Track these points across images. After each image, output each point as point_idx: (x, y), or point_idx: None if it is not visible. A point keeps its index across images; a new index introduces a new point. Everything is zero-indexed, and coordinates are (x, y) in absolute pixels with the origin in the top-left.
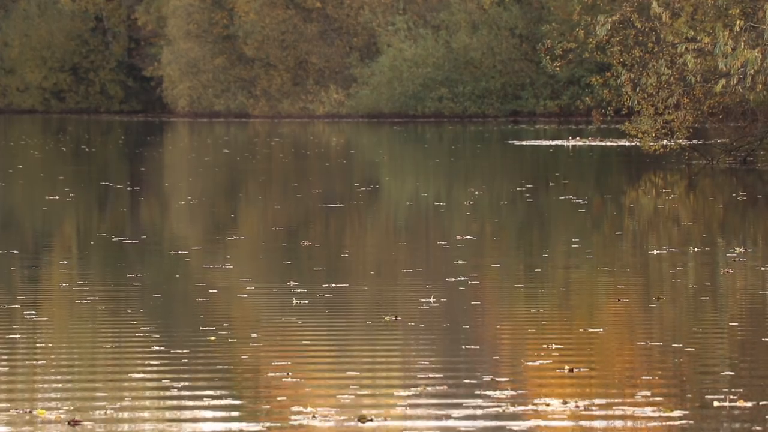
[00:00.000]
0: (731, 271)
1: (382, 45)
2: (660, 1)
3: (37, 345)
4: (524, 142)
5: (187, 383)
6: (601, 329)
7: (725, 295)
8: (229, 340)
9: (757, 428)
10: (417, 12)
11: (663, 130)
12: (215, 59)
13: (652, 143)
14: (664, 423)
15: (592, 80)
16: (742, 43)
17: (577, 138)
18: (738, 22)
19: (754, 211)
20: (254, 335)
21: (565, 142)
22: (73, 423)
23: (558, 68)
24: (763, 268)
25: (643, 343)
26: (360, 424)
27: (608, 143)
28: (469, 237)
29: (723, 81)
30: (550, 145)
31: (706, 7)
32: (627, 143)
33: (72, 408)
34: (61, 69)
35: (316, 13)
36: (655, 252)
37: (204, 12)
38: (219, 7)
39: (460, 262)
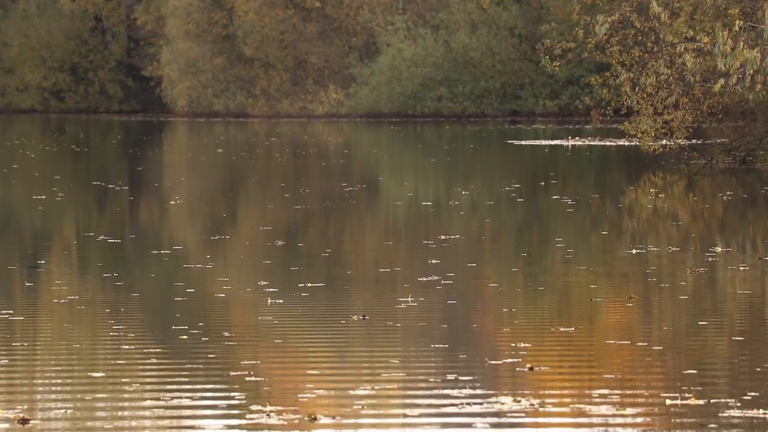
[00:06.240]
0: (700, 270)
1: (382, 45)
2: (659, 1)
3: (12, 344)
4: (523, 142)
5: (149, 382)
6: (572, 329)
7: (698, 294)
8: (202, 339)
9: (712, 426)
10: (416, 12)
11: (662, 130)
12: (214, 59)
13: (651, 143)
14: (617, 421)
15: (591, 80)
16: (742, 43)
17: (576, 138)
18: (737, 21)
19: (744, 210)
20: (226, 334)
21: (564, 142)
22: (22, 421)
23: (557, 68)
24: (741, 267)
25: (611, 342)
26: (311, 423)
27: (607, 143)
28: (452, 237)
29: (722, 81)
30: (547, 145)
31: (706, 6)
32: (626, 143)
33: (31, 407)
34: (61, 69)
35: (316, 12)
36: (634, 252)
37: (203, 12)
38: (218, 7)
39: (440, 262)
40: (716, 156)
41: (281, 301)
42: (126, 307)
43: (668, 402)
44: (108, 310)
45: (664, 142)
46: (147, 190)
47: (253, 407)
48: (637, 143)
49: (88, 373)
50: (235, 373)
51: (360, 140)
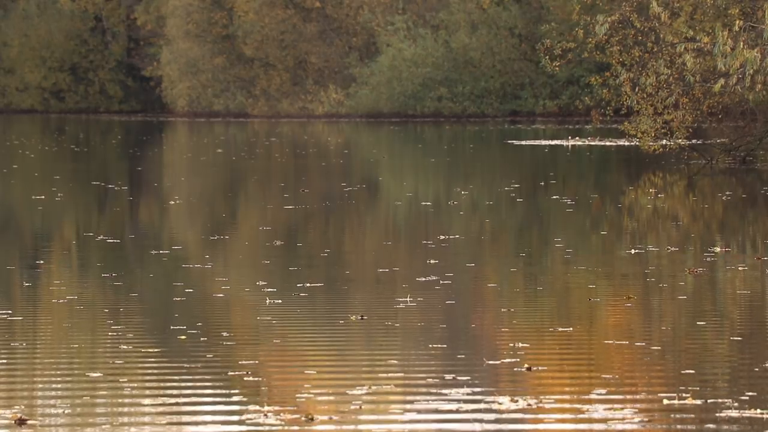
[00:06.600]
0: (698, 270)
1: (382, 45)
2: (659, 1)
3: (10, 344)
4: (523, 142)
5: (148, 382)
6: (571, 329)
7: (697, 295)
8: (201, 339)
9: (710, 426)
10: (416, 12)
11: (662, 130)
12: (214, 59)
13: (651, 143)
14: (615, 420)
15: (591, 80)
16: (741, 43)
17: (576, 138)
18: (737, 21)
19: (743, 211)
20: (225, 334)
21: (564, 142)
22: (20, 422)
23: (557, 68)
24: (740, 268)
25: (609, 342)
26: (307, 423)
27: (607, 143)
28: (451, 237)
29: (722, 81)
30: (547, 145)
31: (706, 6)
32: (626, 143)
33: (30, 407)
34: (61, 69)
35: (316, 12)
36: (633, 252)
37: (203, 12)
38: (218, 7)
39: (439, 262)
40: (716, 156)
41: (280, 301)
42: (125, 307)
43: (666, 402)
44: (107, 311)
45: (664, 142)
46: (147, 190)
47: (251, 407)
48: (637, 143)
49: (87, 373)
50: (233, 373)
51: (360, 140)
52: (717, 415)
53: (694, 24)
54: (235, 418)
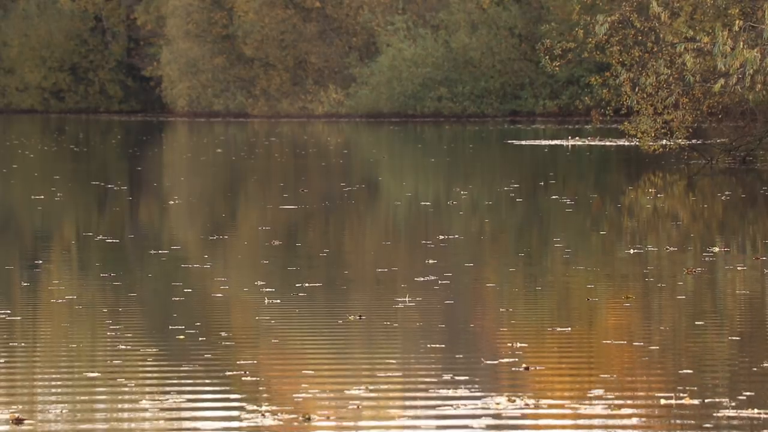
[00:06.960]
0: (697, 270)
1: (382, 45)
2: (659, 1)
3: (9, 344)
4: (523, 142)
5: (146, 382)
6: (569, 329)
7: (696, 295)
8: (200, 339)
9: (708, 426)
10: (416, 12)
11: (662, 130)
12: (214, 59)
13: (651, 143)
14: (613, 420)
15: (591, 80)
16: (741, 43)
17: (576, 138)
18: (737, 21)
19: (743, 211)
20: (224, 334)
21: (564, 142)
22: (17, 421)
23: (557, 68)
24: (739, 267)
25: (608, 342)
26: (305, 423)
27: (607, 143)
28: (450, 237)
29: (722, 81)
30: (547, 145)
31: (706, 6)
32: (626, 143)
33: (28, 407)
34: (61, 69)
35: (316, 12)
36: (633, 252)
37: (203, 12)
38: (218, 7)
39: (438, 262)
40: (716, 156)
41: (279, 301)
42: (124, 307)
43: (664, 402)
44: (106, 310)
45: (664, 142)
46: (146, 190)
47: (250, 407)
48: (637, 143)
49: (86, 373)
50: (232, 373)
51: (360, 140)
52: (716, 415)
53: (694, 24)
54: (234, 419)
